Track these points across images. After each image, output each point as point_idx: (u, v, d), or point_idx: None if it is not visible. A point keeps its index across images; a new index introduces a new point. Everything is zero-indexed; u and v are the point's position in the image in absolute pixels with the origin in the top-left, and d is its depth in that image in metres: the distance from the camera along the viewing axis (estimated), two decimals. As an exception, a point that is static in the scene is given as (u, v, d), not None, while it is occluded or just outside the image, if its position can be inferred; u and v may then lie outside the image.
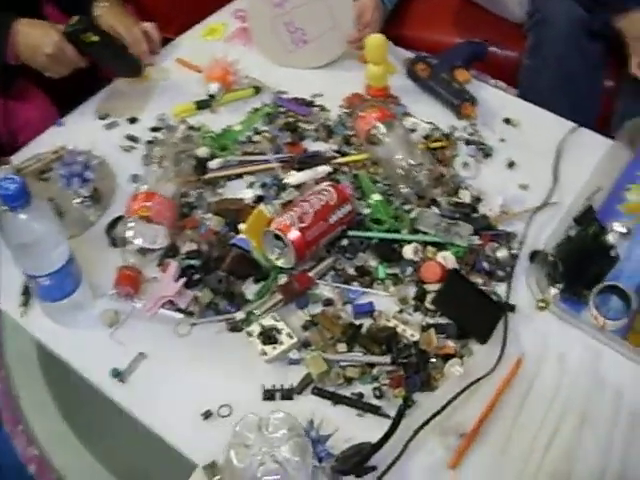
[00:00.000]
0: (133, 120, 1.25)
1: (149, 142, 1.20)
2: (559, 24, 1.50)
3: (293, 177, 1.11)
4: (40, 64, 1.23)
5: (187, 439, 0.86)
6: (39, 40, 1.21)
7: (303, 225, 0.97)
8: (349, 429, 0.86)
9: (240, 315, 0.95)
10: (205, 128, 1.22)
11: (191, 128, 1.22)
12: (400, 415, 0.86)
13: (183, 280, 0.97)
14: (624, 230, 1.05)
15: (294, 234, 0.96)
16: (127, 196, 1.08)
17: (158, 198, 1.02)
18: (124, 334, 0.96)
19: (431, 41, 1.64)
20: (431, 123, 1.23)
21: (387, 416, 0.87)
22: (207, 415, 0.88)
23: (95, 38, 1.22)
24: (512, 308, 0.99)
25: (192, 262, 1.02)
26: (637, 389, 0.91)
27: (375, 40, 1.23)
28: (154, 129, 1.23)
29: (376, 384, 0.91)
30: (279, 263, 1.00)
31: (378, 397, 0.90)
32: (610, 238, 1.03)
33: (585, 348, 0.96)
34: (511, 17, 1.69)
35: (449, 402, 0.87)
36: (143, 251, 1.00)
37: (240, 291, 0.99)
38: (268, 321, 0.95)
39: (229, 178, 1.14)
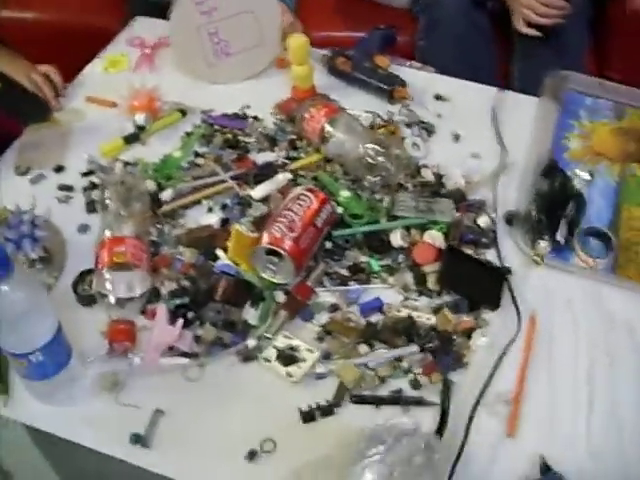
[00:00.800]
0: (59, 169, 1.14)
1: (86, 188, 1.10)
2: (449, 3, 1.55)
3: (257, 191, 1.06)
4: None
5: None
6: None
7: (294, 234, 0.93)
8: (401, 427, 0.83)
9: (252, 343, 0.89)
10: (142, 161, 1.14)
11: (127, 164, 1.13)
12: (447, 398, 0.85)
13: (181, 322, 0.89)
14: (587, 176, 1.09)
15: (288, 244, 0.92)
16: (79, 250, 0.99)
17: (129, 241, 0.93)
18: (130, 395, 0.87)
19: (326, 38, 1.64)
20: (370, 112, 1.22)
21: (432, 404, 0.85)
22: (252, 456, 0.81)
23: None
24: (509, 270, 1.00)
25: (179, 301, 0.94)
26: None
27: (297, 40, 1.20)
28: (86, 173, 1.13)
29: (410, 376, 0.88)
30: (276, 280, 0.95)
31: (416, 388, 0.87)
32: (576, 184, 1.08)
33: (585, 291, 0.99)
34: (396, 4, 1.73)
35: (493, 372, 0.87)
36: (121, 302, 0.91)
37: (241, 318, 0.93)
38: (282, 342, 0.90)
39: (186, 207, 1.07)
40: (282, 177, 1.08)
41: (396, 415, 0.84)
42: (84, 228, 1.05)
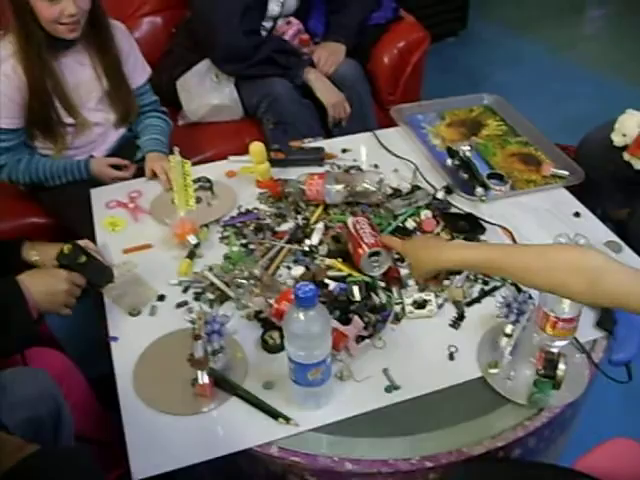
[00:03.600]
0: (161, 298, 1.45)
1: (197, 297, 1.44)
2: (284, 98, 2.16)
3: (313, 239, 1.52)
4: (60, 304, 1.32)
5: None
6: (51, 285, 1.31)
7: (377, 238, 1.42)
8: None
9: (397, 308, 1.37)
10: (217, 266, 1.50)
11: (211, 269, 1.49)
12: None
13: (359, 320, 1.31)
14: (468, 148, 1.77)
15: (379, 242, 1.41)
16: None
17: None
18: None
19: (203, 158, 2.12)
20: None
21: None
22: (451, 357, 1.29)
23: (83, 258, 1.37)
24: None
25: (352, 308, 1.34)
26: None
27: (256, 147, 1.69)
28: (185, 289, 1.46)
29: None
30: (380, 272, 1.42)
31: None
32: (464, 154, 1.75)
33: (510, 202, 1.65)
34: (237, 116, 2.29)
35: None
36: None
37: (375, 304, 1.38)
38: (409, 300, 1.38)
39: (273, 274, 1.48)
40: (320, 225, 1.56)
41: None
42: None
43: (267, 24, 2.35)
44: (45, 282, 1.32)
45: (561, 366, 1.16)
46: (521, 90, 3.41)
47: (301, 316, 1.09)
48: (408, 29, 2.54)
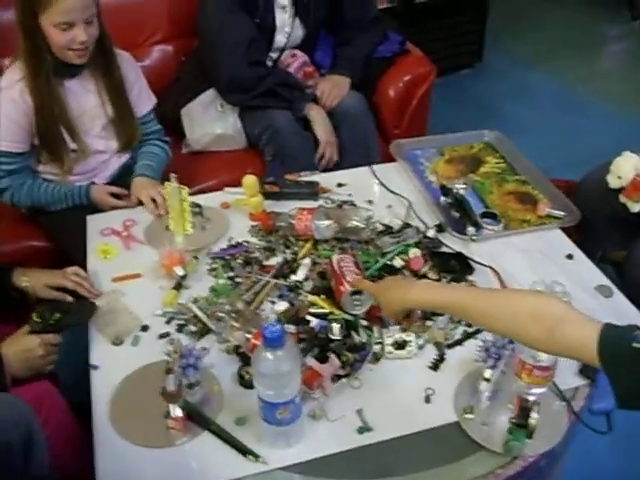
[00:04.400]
0: (144, 328, 1.46)
1: (180, 329, 1.45)
2: (285, 130, 2.18)
3: (298, 275, 1.53)
4: (38, 368, 1.37)
5: None
6: (26, 352, 1.35)
7: (360, 275, 1.42)
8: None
9: (376, 348, 1.36)
10: (202, 298, 1.51)
11: (196, 300, 1.50)
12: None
13: (335, 359, 1.30)
14: (463, 186, 1.76)
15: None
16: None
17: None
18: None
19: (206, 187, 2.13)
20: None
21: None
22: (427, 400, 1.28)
23: (57, 315, 1.40)
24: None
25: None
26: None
27: (249, 180, 1.70)
28: (168, 321, 1.47)
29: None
30: (361, 310, 1.42)
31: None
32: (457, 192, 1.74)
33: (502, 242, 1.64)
34: (239, 146, 2.32)
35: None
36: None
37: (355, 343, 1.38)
38: (388, 340, 1.37)
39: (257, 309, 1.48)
40: (306, 261, 1.56)
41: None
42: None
43: (273, 54, 2.38)
44: (19, 352, 1.36)
45: (534, 414, 1.15)
46: (533, 124, 3.42)
47: (269, 355, 1.09)
48: (414, 62, 2.55)
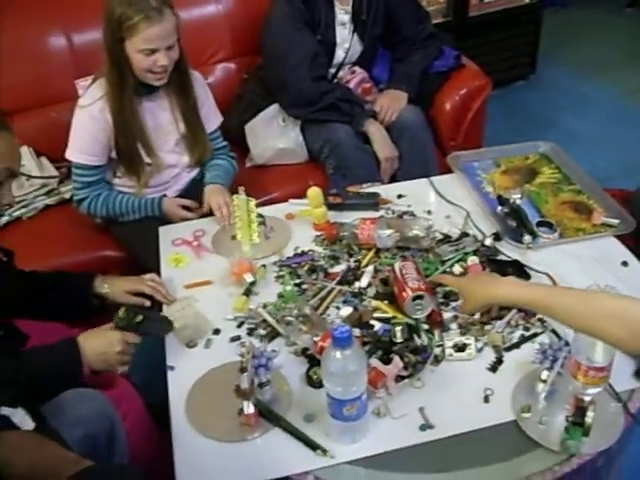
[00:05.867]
0: (216, 331, 1.56)
1: (250, 332, 1.54)
2: (345, 143, 2.27)
3: (362, 282, 1.61)
4: (113, 363, 1.42)
5: None
6: (106, 345, 1.40)
7: (421, 281, 1.49)
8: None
9: (437, 351, 1.43)
10: (271, 303, 1.60)
11: (265, 306, 1.59)
12: None
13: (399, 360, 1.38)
14: (519, 196, 1.82)
15: (424, 287, 1.47)
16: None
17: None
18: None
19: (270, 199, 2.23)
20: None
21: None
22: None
23: (140, 317, 1.44)
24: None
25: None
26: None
27: (314, 191, 1.79)
28: (239, 325, 1.57)
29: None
30: (423, 314, 1.49)
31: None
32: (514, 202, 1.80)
33: (559, 250, 1.69)
34: (301, 159, 2.42)
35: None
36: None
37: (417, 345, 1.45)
38: (449, 342, 1.44)
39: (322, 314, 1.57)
40: (370, 268, 1.64)
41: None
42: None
43: (332, 70, 2.48)
44: (99, 344, 1.41)
45: (589, 413, 1.19)
46: (588, 135, 3.42)
47: (338, 355, 1.18)
48: (470, 76, 2.61)
